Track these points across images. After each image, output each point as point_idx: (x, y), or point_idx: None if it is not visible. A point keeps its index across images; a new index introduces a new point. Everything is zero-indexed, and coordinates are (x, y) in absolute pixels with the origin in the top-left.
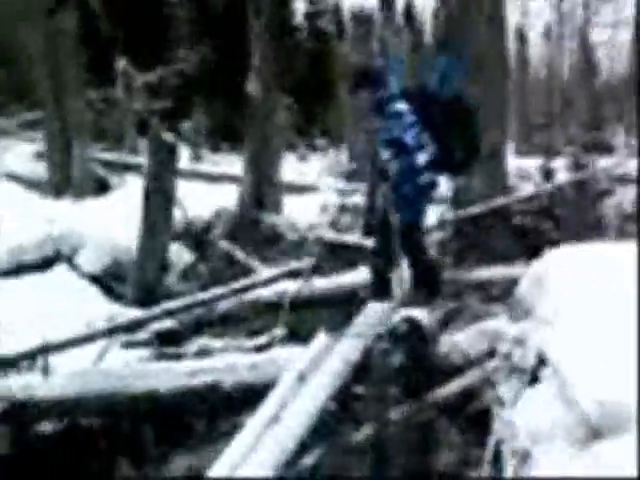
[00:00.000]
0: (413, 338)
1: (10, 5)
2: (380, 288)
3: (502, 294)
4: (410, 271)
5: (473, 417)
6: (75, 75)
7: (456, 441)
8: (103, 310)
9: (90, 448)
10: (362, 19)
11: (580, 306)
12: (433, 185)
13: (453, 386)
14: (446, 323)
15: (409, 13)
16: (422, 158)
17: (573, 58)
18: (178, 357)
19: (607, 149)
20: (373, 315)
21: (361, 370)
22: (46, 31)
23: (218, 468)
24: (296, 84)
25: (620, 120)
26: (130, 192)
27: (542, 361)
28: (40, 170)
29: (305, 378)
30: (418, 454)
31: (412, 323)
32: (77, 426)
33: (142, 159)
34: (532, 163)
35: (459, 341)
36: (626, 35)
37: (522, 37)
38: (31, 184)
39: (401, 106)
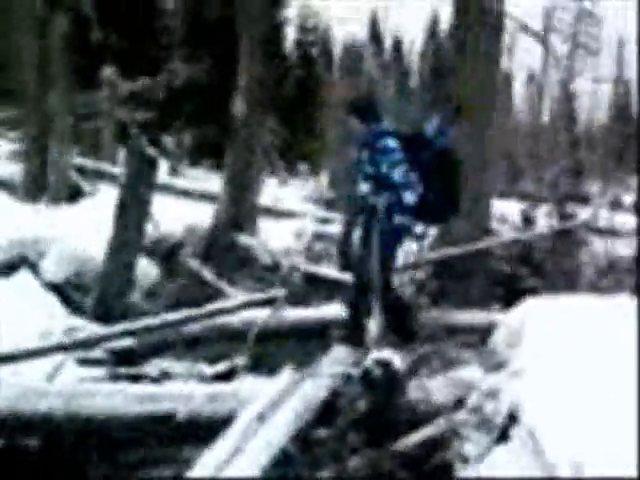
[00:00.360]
0: (384, 382)
1: (6, 6)
2: (353, 330)
3: (477, 341)
4: (383, 312)
5: (435, 471)
6: (60, 78)
7: None
8: (61, 321)
9: (27, 470)
10: (351, 52)
11: (555, 362)
12: (410, 227)
13: (418, 436)
14: (416, 368)
15: (397, 49)
16: (410, 197)
17: (554, 104)
18: (134, 379)
19: (583, 199)
20: (344, 354)
21: (325, 411)
22: (37, 32)
23: None
24: (281, 108)
25: (597, 168)
26: (103, 201)
27: (513, 417)
28: (15, 171)
29: (265, 417)
30: None
31: (385, 367)
32: (15, 446)
33: (118, 169)
34: (514, 207)
35: (429, 388)
36: (606, 87)
37: (508, 80)
38: (4, 185)
39: (392, 143)
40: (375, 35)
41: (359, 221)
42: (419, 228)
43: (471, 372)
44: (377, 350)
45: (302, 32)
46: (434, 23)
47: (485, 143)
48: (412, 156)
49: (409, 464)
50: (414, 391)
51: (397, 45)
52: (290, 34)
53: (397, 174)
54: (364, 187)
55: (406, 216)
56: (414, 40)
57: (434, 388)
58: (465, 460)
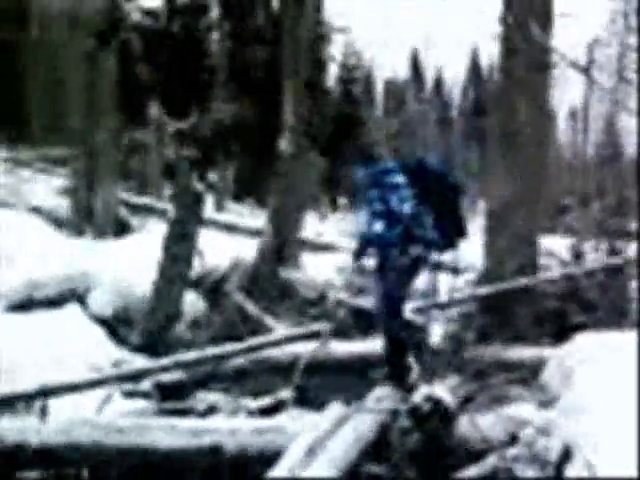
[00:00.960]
0: (434, 418)
1: (56, 42)
2: (394, 368)
3: (527, 377)
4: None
5: None
6: (108, 116)
7: None
8: (108, 354)
9: None
10: (394, 89)
11: (608, 397)
12: (426, 257)
13: (471, 472)
14: (466, 404)
15: (439, 84)
16: (420, 230)
17: (598, 140)
18: (180, 412)
19: (629, 234)
20: (393, 389)
21: (375, 447)
22: (87, 70)
23: None
24: (325, 145)
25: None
26: (151, 236)
27: (567, 454)
28: (64, 206)
29: (315, 452)
30: None
31: (435, 402)
32: (64, 477)
33: (166, 204)
34: (560, 242)
35: (479, 424)
36: None
37: (550, 115)
38: (54, 220)
39: (399, 179)
40: (416, 71)
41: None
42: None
43: (522, 408)
44: (425, 386)
45: (345, 70)
46: (475, 58)
47: (534, 178)
48: (418, 186)
49: None
50: (465, 427)
51: (438, 81)
52: (334, 71)
53: (407, 208)
54: (377, 225)
55: (419, 247)
56: (455, 75)
57: (485, 424)
58: None
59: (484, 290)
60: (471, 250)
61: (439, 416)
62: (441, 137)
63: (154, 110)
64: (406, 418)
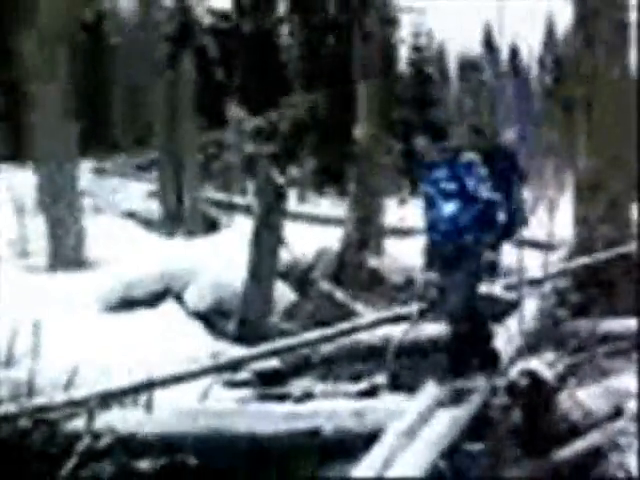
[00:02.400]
0: (532, 393)
1: (133, 48)
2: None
3: (629, 348)
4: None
5: None
6: (189, 120)
7: None
8: (207, 347)
9: None
10: (468, 65)
11: None
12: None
13: (575, 447)
14: (566, 378)
15: (514, 58)
16: (501, 215)
17: None
18: (279, 399)
19: None
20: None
21: (475, 425)
22: (167, 77)
23: None
24: (401, 129)
25: None
26: (239, 231)
27: None
28: (153, 208)
29: (414, 432)
30: None
31: (532, 377)
32: (174, 464)
33: (250, 200)
34: None
35: (581, 398)
36: None
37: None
38: (145, 222)
39: (475, 157)
40: (490, 44)
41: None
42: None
43: (625, 380)
44: (523, 360)
45: (415, 51)
46: (550, 26)
47: (621, 143)
48: (492, 168)
49: (568, 476)
50: (566, 402)
51: (514, 54)
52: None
53: (484, 190)
54: (448, 207)
55: (493, 234)
56: (531, 47)
57: (587, 398)
58: (627, 470)
59: (578, 262)
60: (563, 225)
61: (537, 391)
62: (520, 110)
63: (233, 109)
64: (504, 394)
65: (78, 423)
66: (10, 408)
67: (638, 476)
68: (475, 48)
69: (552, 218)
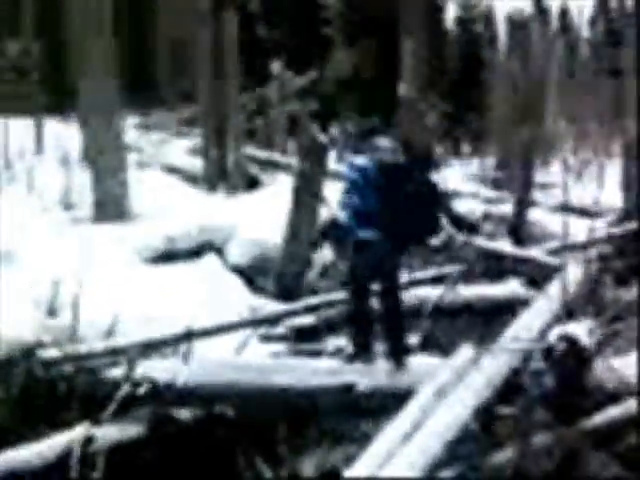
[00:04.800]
0: (570, 359)
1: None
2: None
3: None
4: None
5: (627, 452)
6: (233, 76)
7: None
8: (246, 301)
9: (223, 437)
10: (517, 25)
11: None
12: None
13: (608, 415)
14: (603, 346)
15: (564, 19)
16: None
17: None
18: (313, 355)
19: None
20: (525, 331)
21: (508, 389)
22: (212, 31)
23: (347, 477)
24: (446, 88)
25: None
26: (280, 190)
27: None
28: (196, 164)
29: (446, 392)
30: None
31: (570, 342)
32: (211, 415)
33: (292, 159)
34: None
35: (617, 366)
36: None
37: None
38: (188, 178)
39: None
40: (540, 7)
41: None
42: None
43: None
44: (562, 325)
45: (464, 9)
46: None
47: None
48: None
49: (599, 443)
50: (602, 369)
51: (564, 13)
52: (452, 12)
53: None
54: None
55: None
56: (582, 8)
57: (623, 366)
58: None
59: (622, 229)
60: (611, 193)
61: (574, 357)
62: (569, 73)
63: (276, 67)
64: (540, 359)
65: (118, 371)
66: (55, 354)
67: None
68: (525, 8)
69: (600, 184)
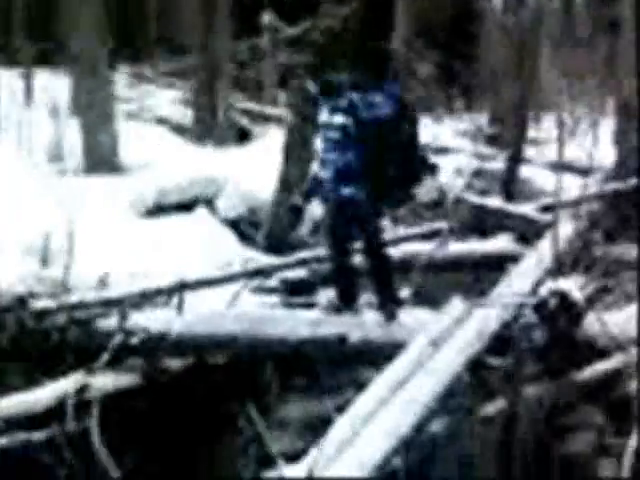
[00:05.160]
0: (560, 313)
1: None
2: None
3: None
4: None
5: (614, 405)
6: (224, 26)
7: (593, 426)
8: (237, 254)
9: (214, 386)
10: None
11: None
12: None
13: (597, 368)
14: (594, 301)
15: None
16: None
17: None
18: (306, 307)
19: None
20: (516, 285)
21: (499, 341)
22: None
23: (341, 426)
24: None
25: None
26: (271, 142)
27: None
28: (186, 116)
29: (438, 344)
30: (549, 436)
31: (561, 297)
32: (204, 364)
33: (283, 111)
34: None
35: (607, 322)
36: None
37: None
38: (178, 130)
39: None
40: None
41: None
42: None
43: None
44: (553, 279)
45: None
46: None
47: None
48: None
49: (588, 396)
50: (592, 324)
51: None
52: None
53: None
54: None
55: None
56: None
57: (612, 322)
58: None
59: (613, 186)
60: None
61: (566, 312)
62: (566, 29)
63: (267, 17)
64: (531, 313)
65: (111, 322)
66: (46, 304)
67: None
68: None
69: (594, 141)
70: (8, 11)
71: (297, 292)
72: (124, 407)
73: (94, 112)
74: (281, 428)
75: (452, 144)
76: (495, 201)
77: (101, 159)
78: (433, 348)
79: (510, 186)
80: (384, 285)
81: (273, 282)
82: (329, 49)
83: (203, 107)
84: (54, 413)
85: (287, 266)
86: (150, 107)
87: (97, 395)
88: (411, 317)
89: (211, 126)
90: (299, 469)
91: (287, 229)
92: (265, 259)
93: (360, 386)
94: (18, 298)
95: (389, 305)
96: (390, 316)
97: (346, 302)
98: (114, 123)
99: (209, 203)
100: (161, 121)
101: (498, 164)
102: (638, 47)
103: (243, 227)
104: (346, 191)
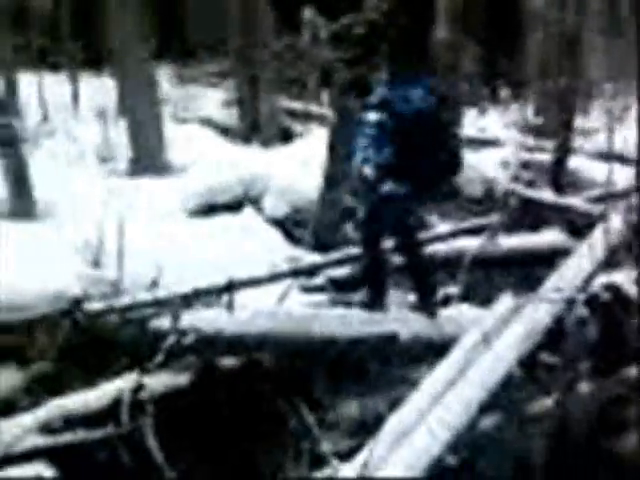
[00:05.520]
0: (614, 308)
1: None
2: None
3: None
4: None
5: None
6: (265, 25)
7: None
8: (284, 252)
9: (266, 386)
10: None
11: None
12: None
13: None
14: None
15: None
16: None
17: None
18: (352, 305)
19: None
20: (568, 279)
21: (551, 337)
22: None
23: (392, 424)
24: (482, 31)
25: None
26: (314, 141)
27: None
28: (230, 116)
29: (489, 340)
30: (602, 433)
31: (615, 292)
32: (255, 362)
33: (325, 110)
34: None
35: None
36: None
37: None
38: (223, 130)
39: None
40: None
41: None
42: None
43: None
44: (605, 273)
45: None
46: None
47: None
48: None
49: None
50: None
51: None
52: None
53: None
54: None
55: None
56: None
57: None
58: None
59: None
60: None
61: (619, 306)
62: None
63: (308, 13)
64: (584, 307)
65: (163, 321)
66: (99, 305)
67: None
68: None
69: None
70: (56, 17)
71: (343, 290)
72: (177, 407)
73: (141, 114)
74: (332, 427)
75: (499, 135)
76: (544, 193)
77: (149, 160)
78: (484, 345)
79: (559, 177)
80: (423, 284)
81: (320, 280)
82: (369, 44)
83: (246, 107)
84: (109, 413)
85: (334, 264)
86: (195, 108)
87: (151, 394)
88: (461, 313)
89: (255, 126)
90: (351, 468)
91: (333, 227)
92: (311, 257)
93: (411, 384)
94: (74, 300)
95: (429, 303)
96: (430, 315)
97: (375, 300)
98: (160, 124)
99: (255, 202)
100: (206, 122)
101: (546, 155)
102: (638, 47)
103: (289, 226)
104: (385, 188)
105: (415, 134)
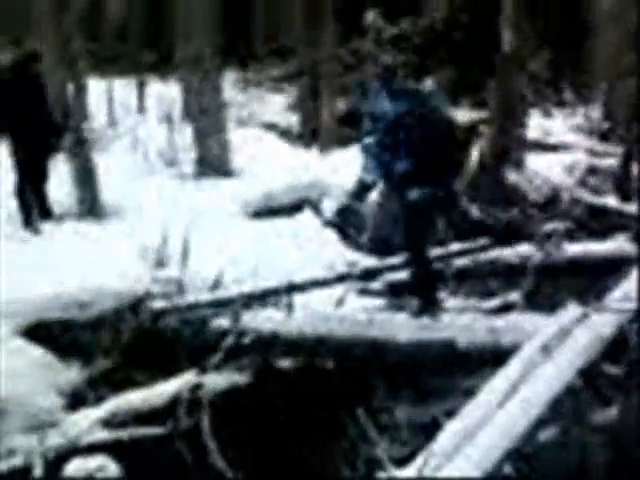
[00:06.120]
0: None
1: None
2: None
3: None
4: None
5: None
6: (328, 29)
7: None
8: (342, 257)
9: (323, 387)
10: None
11: None
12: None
13: None
14: None
15: None
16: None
17: None
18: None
19: None
20: (633, 289)
21: (614, 347)
22: None
23: (450, 432)
24: (548, 34)
25: None
26: None
27: None
28: (293, 121)
29: (550, 350)
30: None
31: None
32: (312, 365)
33: None
34: None
35: None
36: None
37: None
38: (285, 134)
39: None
40: None
41: None
42: None
43: None
44: None
45: None
46: None
47: None
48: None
49: None
50: None
51: None
52: None
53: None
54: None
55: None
56: None
57: None
58: None
59: None
60: None
61: None
62: None
63: (370, 16)
64: None
65: (223, 321)
66: (162, 304)
67: None
68: None
69: None
70: (124, 23)
71: (400, 294)
72: (235, 406)
73: (206, 118)
74: (389, 432)
75: (564, 139)
76: (610, 200)
77: (213, 164)
78: (544, 354)
79: (625, 184)
80: (425, 290)
81: (378, 284)
82: (431, 48)
83: (308, 111)
84: (169, 410)
85: (391, 268)
86: (258, 112)
87: (209, 394)
88: (523, 321)
89: (316, 130)
90: (407, 474)
91: (390, 231)
92: (369, 261)
93: (468, 391)
94: (137, 299)
95: (430, 308)
96: (432, 316)
97: (426, 306)
98: (225, 129)
99: (314, 206)
100: (268, 126)
101: (612, 160)
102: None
103: (347, 229)
104: (412, 195)
105: (428, 138)
